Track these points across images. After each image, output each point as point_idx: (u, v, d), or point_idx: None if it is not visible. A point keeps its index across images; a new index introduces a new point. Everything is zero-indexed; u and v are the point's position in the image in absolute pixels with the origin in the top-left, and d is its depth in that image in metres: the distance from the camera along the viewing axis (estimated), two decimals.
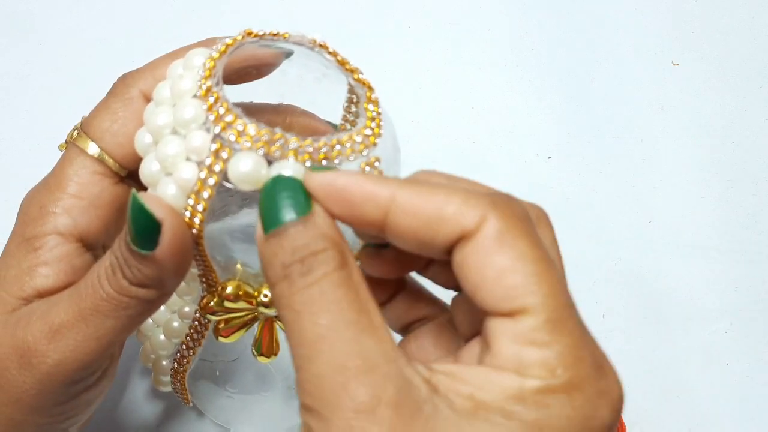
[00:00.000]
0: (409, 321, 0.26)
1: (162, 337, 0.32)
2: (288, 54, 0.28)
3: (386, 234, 0.21)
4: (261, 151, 0.23)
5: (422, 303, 0.26)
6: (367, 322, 0.20)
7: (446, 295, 0.25)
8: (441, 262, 0.23)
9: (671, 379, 0.39)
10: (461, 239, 0.20)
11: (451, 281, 0.23)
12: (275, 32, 0.26)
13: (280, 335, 0.29)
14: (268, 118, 0.30)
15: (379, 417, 0.19)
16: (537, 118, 0.47)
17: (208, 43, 0.28)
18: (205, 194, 0.23)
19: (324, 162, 0.23)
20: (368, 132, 0.25)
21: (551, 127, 0.47)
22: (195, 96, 0.24)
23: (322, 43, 0.27)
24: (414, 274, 0.26)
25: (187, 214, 0.24)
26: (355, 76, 0.27)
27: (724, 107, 0.48)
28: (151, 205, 0.23)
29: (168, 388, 0.34)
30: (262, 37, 0.26)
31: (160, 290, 0.24)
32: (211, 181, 0.23)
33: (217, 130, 0.23)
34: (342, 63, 0.27)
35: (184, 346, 0.31)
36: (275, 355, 0.29)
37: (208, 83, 0.24)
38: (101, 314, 0.24)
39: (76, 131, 0.29)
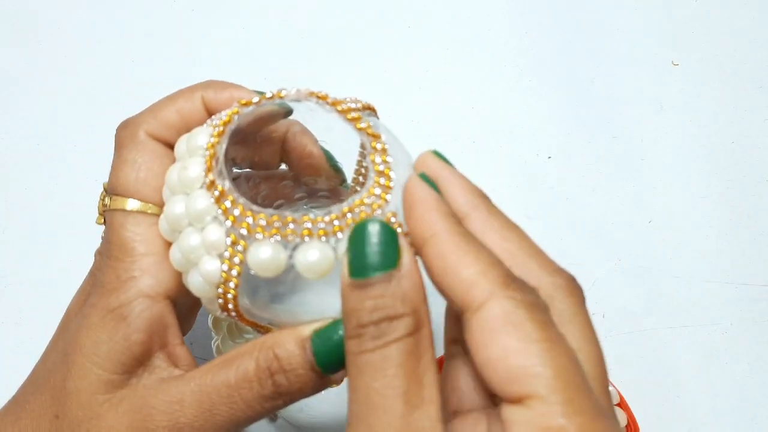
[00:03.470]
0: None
1: None
2: (288, 112, 0.28)
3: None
4: (276, 238, 0.23)
5: None
6: (418, 394, 0.20)
7: None
8: None
9: (671, 379, 0.39)
10: (469, 309, 0.21)
11: None
12: (268, 96, 0.26)
13: None
14: (266, 130, 0.30)
15: None
16: (537, 118, 0.47)
17: (208, 85, 0.28)
18: (231, 284, 0.24)
19: (339, 234, 0.23)
20: (378, 191, 0.24)
21: (551, 127, 0.47)
22: (202, 186, 0.24)
23: (320, 95, 0.26)
24: None
25: (221, 301, 0.24)
26: (358, 126, 0.25)
27: (724, 107, 0.48)
28: None
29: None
30: (257, 104, 0.26)
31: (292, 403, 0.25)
32: (234, 272, 0.24)
33: (228, 224, 0.23)
34: (344, 112, 0.26)
35: None
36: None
37: (211, 176, 0.24)
38: (234, 421, 0.24)
39: (106, 199, 0.28)
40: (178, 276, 0.27)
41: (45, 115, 0.47)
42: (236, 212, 0.23)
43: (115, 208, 0.27)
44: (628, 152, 0.46)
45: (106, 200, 0.28)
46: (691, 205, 0.44)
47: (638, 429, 0.37)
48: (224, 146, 0.25)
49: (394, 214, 0.24)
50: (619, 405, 0.38)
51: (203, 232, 0.24)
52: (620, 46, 0.50)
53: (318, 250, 0.23)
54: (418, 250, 0.22)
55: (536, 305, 0.21)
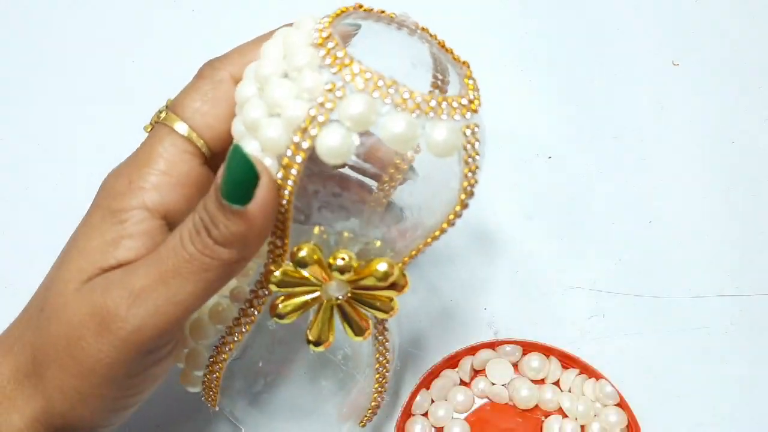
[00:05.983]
0: None
1: (206, 322, 0.30)
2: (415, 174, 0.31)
3: None
4: (375, 95, 0.23)
5: None
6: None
7: None
8: None
9: (671, 379, 0.39)
10: None
11: None
12: (382, 10, 0.27)
13: (337, 324, 0.28)
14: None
15: None
16: (537, 118, 0.47)
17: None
18: (313, 131, 0.23)
19: (431, 114, 0.24)
20: (464, 102, 0.25)
21: (551, 127, 0.47)
22: (311, 44, 0.24)
23: (423, 27, 0.28)
24: None
25: (289, 152, 0.24)
26: (453, 56, 0.28)
27: (724, 107, 0.48)
28: (252, 158, 0.23)
29: (197, 388, 0.32)
30: (369, 12, 0.27)
31: (242, 252, 0.24)
32: (321, 118, 0.23)
33: (334, 71, 0.23)
34: (441, 45, 0.28)
35: (227, 331, 0.29)
36: (328, 343, 0.28)
37: (329, 30, 0.24)
38: (182, 277, 0.24)
39: (163, 112, 0.28)
40: (184, 205, 0.27)
41: (45, 115, 0.47)
42: (346, 61, 0.23)
43: (165, 123, 0.27)
44: (628, 152, 0.46)
45: (162, 114, 0.28)
46: (691, 205, 0.44)
47: (638, 429, 0.37)
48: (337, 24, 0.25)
49: (477, 126, 0.25)
50: (618, 405, 0.38)
51: (299, 79, 0.24)
52: (620, 46, 0.50)
53: (406, 123, 0.23)
54: None
55: None
